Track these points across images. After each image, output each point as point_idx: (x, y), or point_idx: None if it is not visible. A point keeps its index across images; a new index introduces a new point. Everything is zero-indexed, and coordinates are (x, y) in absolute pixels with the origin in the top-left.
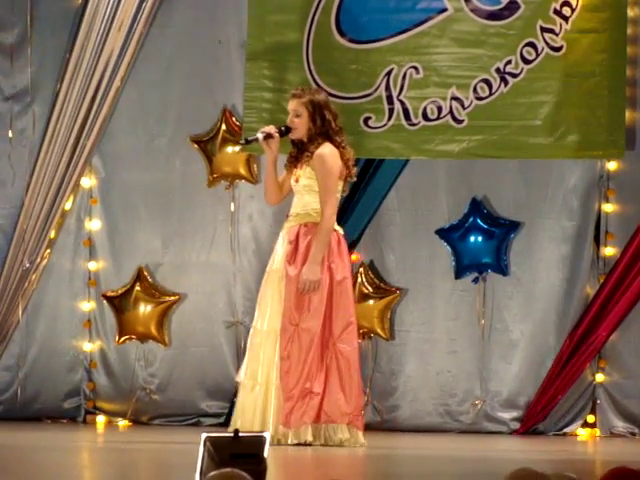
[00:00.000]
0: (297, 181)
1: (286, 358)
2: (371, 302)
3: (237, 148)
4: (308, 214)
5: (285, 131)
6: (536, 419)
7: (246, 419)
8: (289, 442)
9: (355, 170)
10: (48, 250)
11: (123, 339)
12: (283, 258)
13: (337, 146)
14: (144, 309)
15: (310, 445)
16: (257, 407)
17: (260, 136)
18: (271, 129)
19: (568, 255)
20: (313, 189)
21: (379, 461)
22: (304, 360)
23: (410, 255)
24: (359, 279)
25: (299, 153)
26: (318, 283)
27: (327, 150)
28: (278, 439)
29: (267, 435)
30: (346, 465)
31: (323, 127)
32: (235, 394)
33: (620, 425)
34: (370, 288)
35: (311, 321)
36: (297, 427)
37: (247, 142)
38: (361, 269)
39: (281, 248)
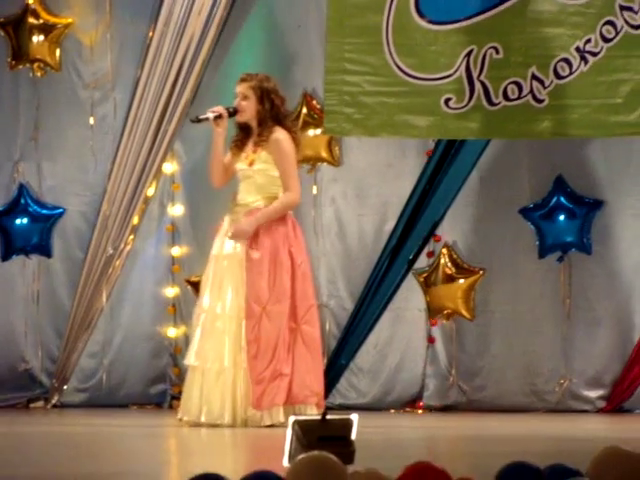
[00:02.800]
0: (251, 164)
1: (253, 341)
2: (455, 283)
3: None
4: (266, 198)
5: (233, 112)
6: (622, 397)
7: (213, 402)
8: (262, 424)
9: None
10: (131, 236)
11: None
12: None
13: (288, 130)
14: None
15: (283, 426)
16: (226, 390)
17: (211, 115)
18: (220, 109)
19: None
20: (268, 173)
21: (466, 442)
22: (274, 343)
23: (493, 235)
24: (442, 260)
25: (245, 137)
26: (248, 235)
27: (282, 135)
28: (246, 421)
29: (355, 418)
30: (431, 447)
31: (272, 111)
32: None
33: None
34: (453, 269)
35: (278, 304)
36: (269, 409)
37: (198, 120)
38: (444, 250)
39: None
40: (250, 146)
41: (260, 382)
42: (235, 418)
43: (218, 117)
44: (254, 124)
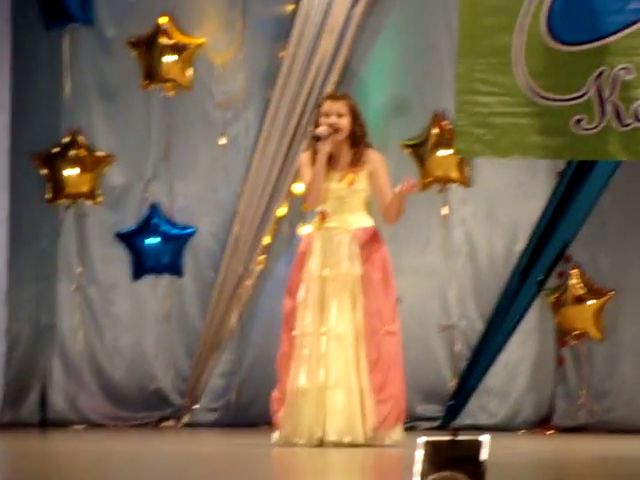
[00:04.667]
0: (351, 184)
1: (376, 361)
2: (585, 303)
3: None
4: (366, 219)
5: (335, 131)
6: None
7: (338, 424)
8: (385, 443)
9: None
10: (262, 256)
11: None
12: (348, 261)
13: (376, 150)
14: None
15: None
16: (354, 409)
17: (325, 133)
18: (328, 128)
19: None
20: (365, 193)
21: (597, 463)
22: (395, 361)
23: (624, 256)
24: (572, 281)
25: (338, 156)
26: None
27: (379, 155)
28: (371, 440)
29: (486, 438)
30: (562, 468)
31: (362, 131)
32: (451, 398)
33: None
34: (584, 290)
35: (394, 323)
36: (393, 427)
37: (316, 137)
38: (574, 270)
39: (340, 251)
40: (344, 166)
41: (385, 401)
42: (364, 437)
43: (328, 135)
44: (346, 144)
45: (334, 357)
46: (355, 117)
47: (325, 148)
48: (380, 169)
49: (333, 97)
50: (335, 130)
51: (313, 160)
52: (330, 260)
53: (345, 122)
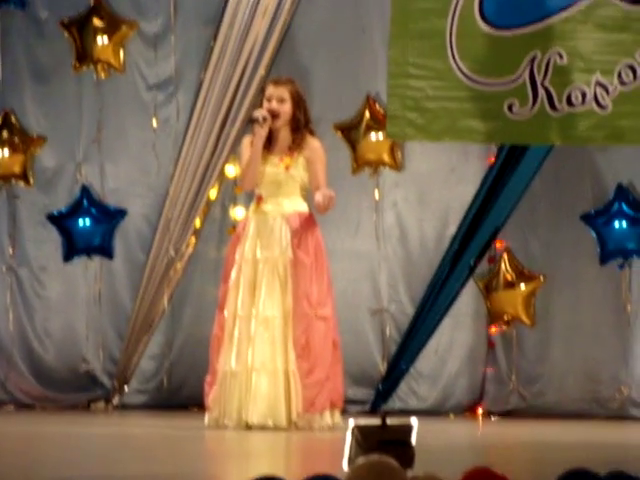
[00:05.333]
0: (287, 169)
1: (305, 344)
2: (516, 288)
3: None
4: (301, 203)
5: (274, 116)
6: None
7: (261, 407)
8: (313, 428)
9: None
10: (193, 238)
11: None
12: (280, 245)
13: (318, 139)
14: None
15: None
16: (279, 393)
17: (261, 117)
18: (266, 112)
19: None
20: (301, 178)
21: (525, 447)
22: (324, 345)
23: (555, 241)
24: (503, 266)
25: (277, 140)
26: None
27: (318, 143)
28: (298, 424)
29: (415, 423)
30: (491, 453)
31: (305, 117)
32: (381, 380)
33: None
34: (514, 275)
35: (324, 307)
36: (321, 411)
37: (250, 120)
38: (505, 255)
39: (272, 235)
40: (282, 150)
41: (312, 385)
42: (289, 421)
43: (264, 120)
44: (286, 129)
45: (261, 340)
46: (297, 103)
47: (261, 132)
48: (318, 158)
49: (277, 82)
50: (273, 116)
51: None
52: (263, 243)
53: (286, 108)
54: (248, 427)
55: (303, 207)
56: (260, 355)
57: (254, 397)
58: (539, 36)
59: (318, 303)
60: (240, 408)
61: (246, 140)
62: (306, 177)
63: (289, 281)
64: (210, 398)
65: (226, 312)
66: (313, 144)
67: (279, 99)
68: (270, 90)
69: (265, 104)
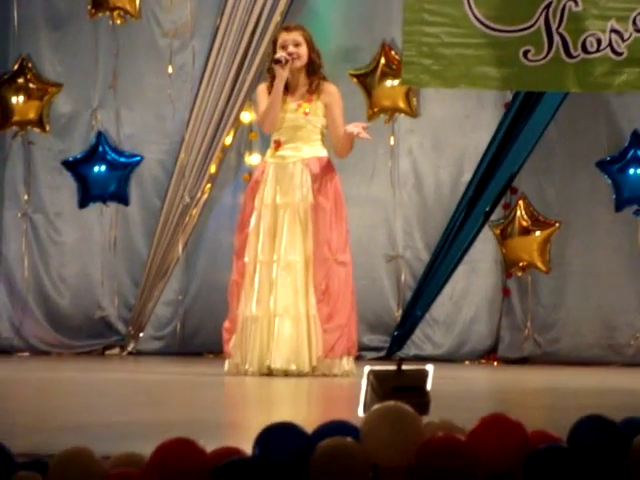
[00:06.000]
0: (307, 114)
1: (325, 290)
2: (531, 235)
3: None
4: (320, 149)
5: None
6: None
7: (284, 352)
8: (333, 373)
9: None
10: (209, 185)
11: None
12: (301, 190)
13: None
14: None
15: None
16: (301, 338)
17: (284, 59)
18: (286, 54)
19: None
20: (320, 123)
21: (541, 394)
22: (345, 291)
23: (570, 188)
24: (518, 212)
25: (295, 85)
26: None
27: (335, 88)
28: (318, 369)
29: (430, 369)
30: (507, 400)
31: (319, 60)
32: (396, 327)
33: None
34: (529, 221)
35: (345, 253)
36: (340, 356)
37: (276, 62)
38: (520, 202)
39: (292, 180)
40: (300, 95)
41: (333, 330)
42: (311, 366)
43: (287, 61)
44: (302, 73)
45: (283, 285)
46: (311, 47)
47: (283, 74)
48: (336, 102)
49: (288, 28)
50: (294, 58)
51: (269, 91)
52: (283, 188)
53: (303, 51)
54: (270, 372)
55: (322, 152)
56: (282, 300)
57: (277, 342)
58: None
59: (337, 248)
60: (262, 353)
61: (262, 86)
62: (324, 122)
63: (310, 226)
64: (230, 344)
65: (246, 258)
66: (330, 89)
67: (294, 43)
68: (284, 36)
69: (280, 51)
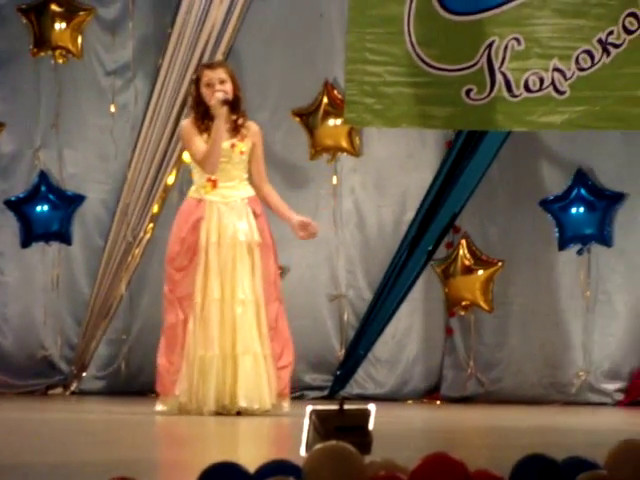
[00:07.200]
0: (242, 153)
1: (275, 328)
2: (474, 274)
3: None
4: (250, 189)
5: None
6: None
7: (247, 391)
8: (283, 412)
9: None
10: (151, 224)
11: None
12: (246, 229)
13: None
14: None
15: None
16: (260, 377)
17: (222, 97)
18: (222, 93)
19: None
20: (247, 163)
21: (483, 433)
22: (286, 328)
23: (513, 226)
24: (461, 251)
25: (210, 124)
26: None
27: (258, 127)
28: (273, 408)
29: (373, 408)
30: (449, 439)
31: (241, 98)
32: (339, 366)
33: None
34: (472, 260)
35: (280, 291)
36: (287, 397)
37: (225, 102)
38: (463, 241)
39: (237, 219)
40: (230, 133)
41: (285, 368)
42: (269, 404)
43: (227, 100)
44: (231, 111)
45: (241, 323)
46: (235, 83)
47: (223, 113)
48: (260, 142)
49: (211, 66)
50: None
51: (196, 127)
52: (228, 227)
53: (229, 87)
54: (227, 411)
55: (252, 191)
56: (242, 339)
57: (241, 381)
58: (496, 22)
59: (278, 286)
60: (219, 393)
61: (188, 123)
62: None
63: (258, 264)
64: (177, 384)
65: (198, 298)
66: (255, 128)
67: (220, 81)
68: (208, 74)
69: (205, 90)
